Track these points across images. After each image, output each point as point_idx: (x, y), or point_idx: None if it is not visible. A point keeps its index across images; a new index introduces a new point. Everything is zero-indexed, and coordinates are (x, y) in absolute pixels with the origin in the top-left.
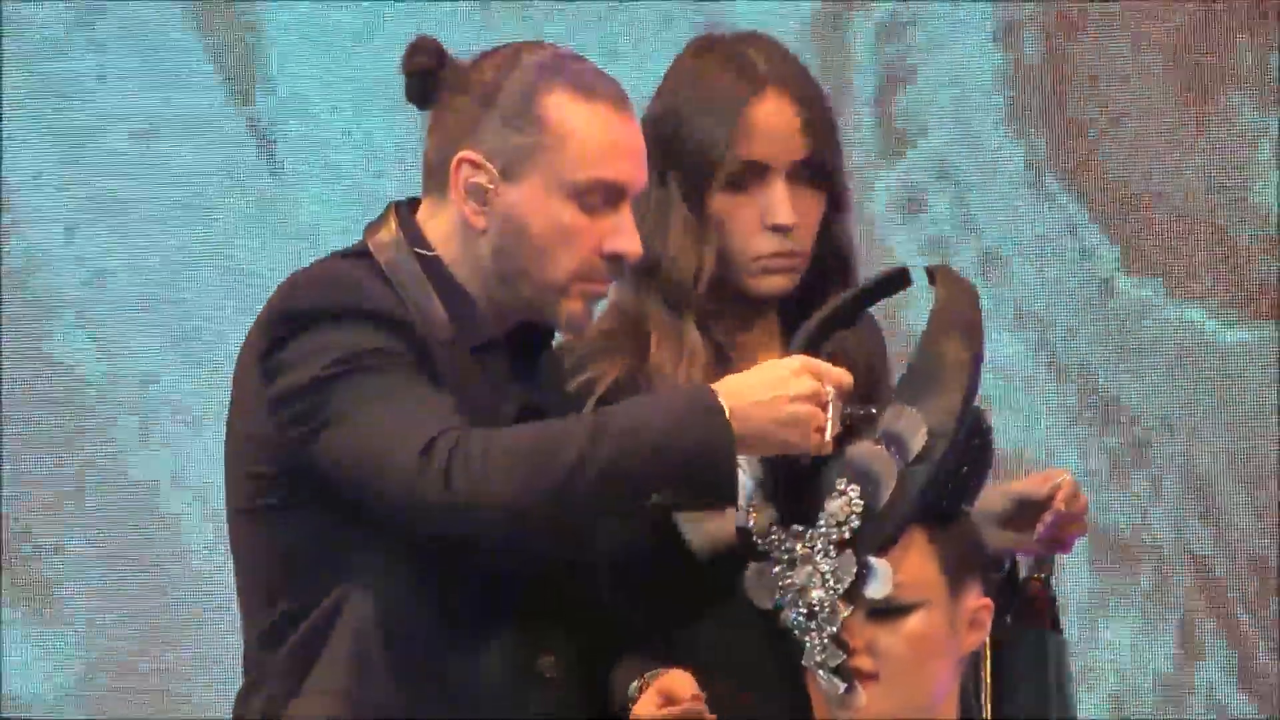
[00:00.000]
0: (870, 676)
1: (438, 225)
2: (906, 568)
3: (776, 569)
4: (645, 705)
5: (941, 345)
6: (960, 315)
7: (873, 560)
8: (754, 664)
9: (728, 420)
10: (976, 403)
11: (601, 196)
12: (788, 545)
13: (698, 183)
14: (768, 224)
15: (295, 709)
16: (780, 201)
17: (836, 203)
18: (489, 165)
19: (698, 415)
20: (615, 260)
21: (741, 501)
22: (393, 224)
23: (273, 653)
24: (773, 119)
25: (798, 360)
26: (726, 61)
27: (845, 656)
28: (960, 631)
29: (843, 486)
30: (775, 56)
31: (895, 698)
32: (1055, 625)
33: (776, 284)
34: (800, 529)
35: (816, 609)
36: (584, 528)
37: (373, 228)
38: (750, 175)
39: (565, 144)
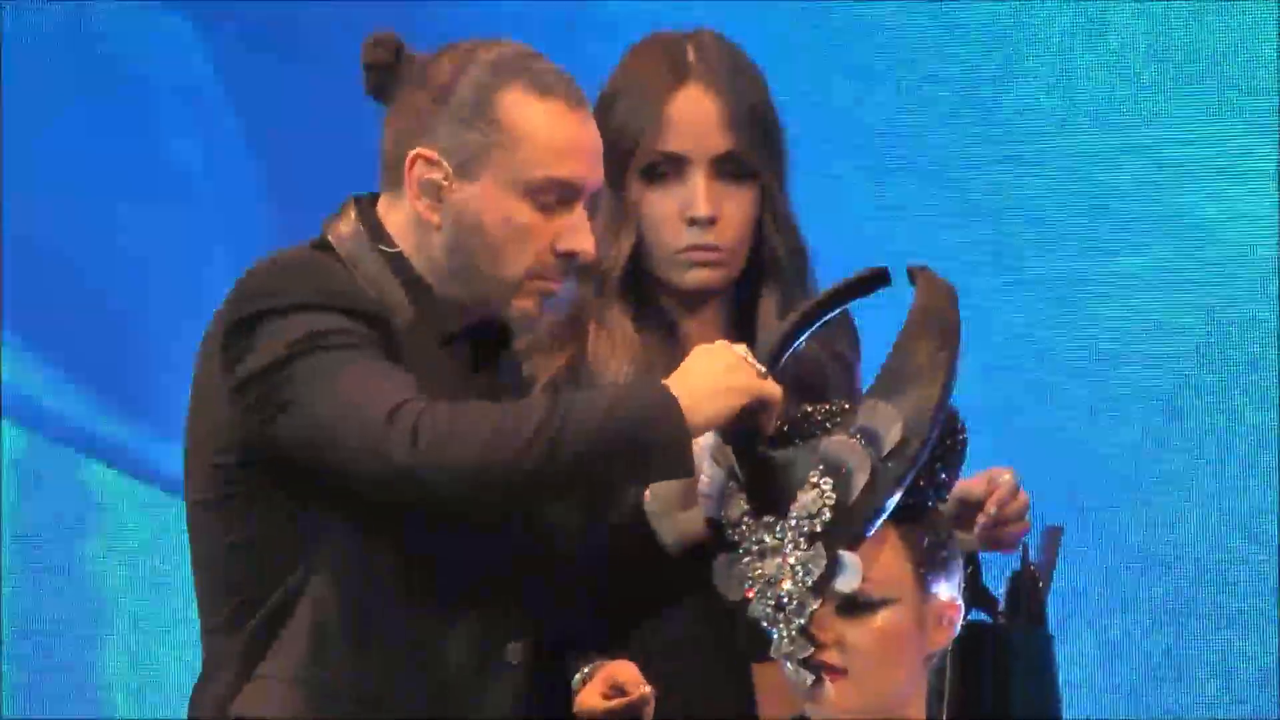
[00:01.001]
0: (838, 671)
1: (394, 220)
2: (877, 564)
3: (746, 560)
4: (591, 695)
5: (918, 343)
6: (938, 314)
7: (843, 554)
8: (702, 659)
9: (670, 392)
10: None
11: (555, 195)
12: (758, 536)
13: (618, 172)
14: (685, 216)
15: (249, 696)
16: (697, 194)
17: (769, 205)
18: (443, 162)
19: (644, 387)
20: (568, 259)
21: (712, 492)
22: (352, 216)
23: (228, 639)
24: (691, 111)
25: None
26: (660, 53)
27: (813, 649)
28: (929, 629)
29: (815, 479)
30: (710, 50)
31: (863, 694)
32: (1044, 618)
33: (701, 277)
34: (771, 520)
35: (785, 601)
36: (545, 500)
37: (331, 221)
38: (668, 167)
39: (520, 143)
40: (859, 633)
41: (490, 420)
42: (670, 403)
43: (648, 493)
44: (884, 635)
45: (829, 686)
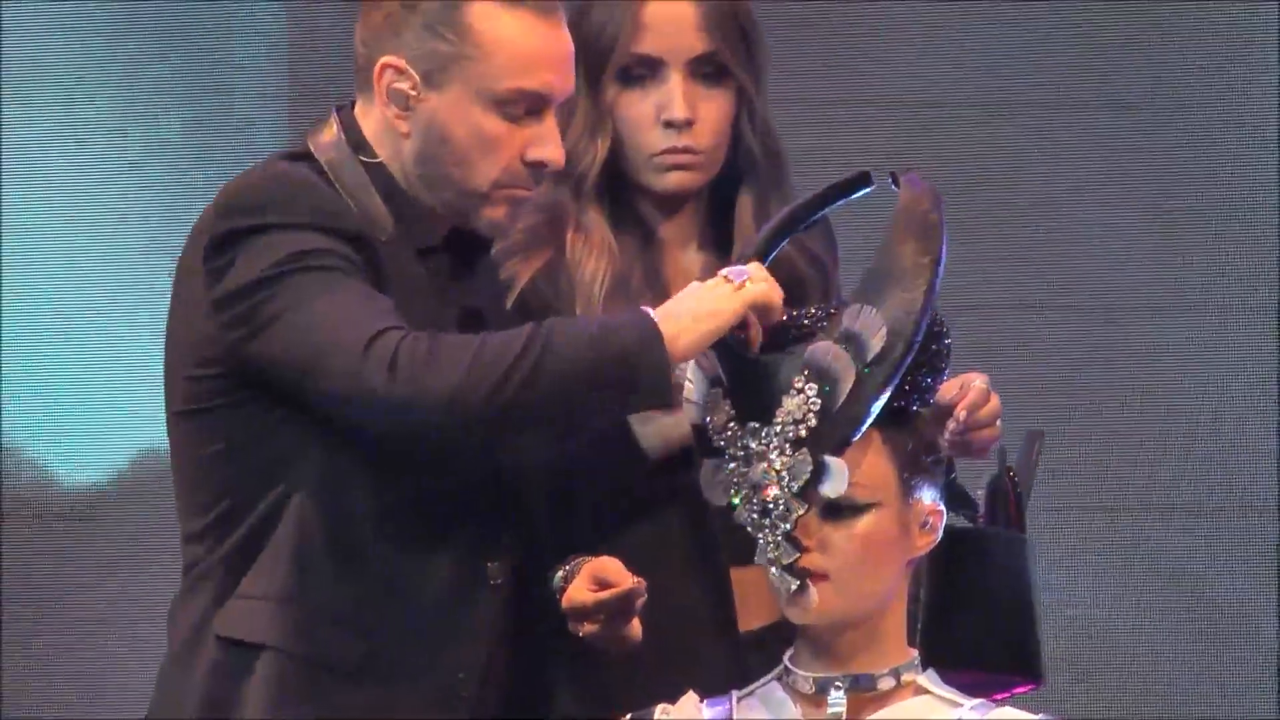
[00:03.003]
0: (821, 575)
1: (370, 126)
2: (861, 468)
3: (731, 465)
4: (578, 589)
5: (901, 247)
6: (921, 217)
7: (828, 459)
8: (682, 565)
9: (653, 319)
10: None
11: (525, 106)
12: (743, 442)
13: (594, 75)
14: (661, 119)
15: (232, 615)
16: (673, 96)
17: (746, 107)
18: (411, 71)
19: (626, 318)
20: (538, 168)
21: (697, 398)
22: (334, 126)
23: (209, 553)
24: (667, 13)
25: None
26: None
27: (798, 554)
28: (912, 533)
29: (800, 385)
30: None
31: (845, 597)
32: (1022, 524)
33: (677, 180)
34: (756, 426)
35: (771, 506)
36: (524, 431)
37: (315, 130)
38: (644, 69)
39: (488, 54)
40: (842, 536)
41: (469, 350)
42: (652, 334)
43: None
44: (867, 539)
45: (813, 591)
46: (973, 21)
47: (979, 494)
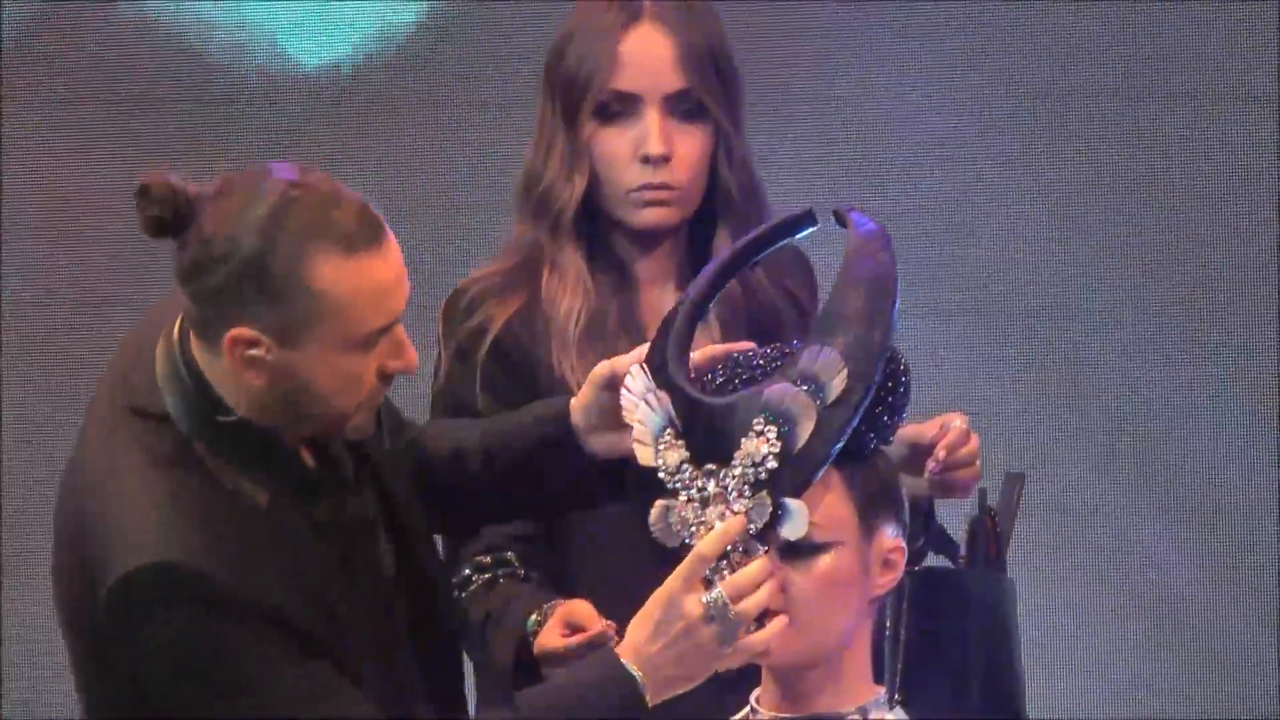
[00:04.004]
0: (780, 614)
1: (213, 371)
2: (820, 507)
3: (687, 508)
4: (550, 635)
5: (853, 290)
6: (871, 259)
7: (788, 501)
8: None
9: (640, 691)
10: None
11: (379, 335)
12: (700, 484)
13: (571, 113)
14: (638, 155)
15: None
16: (650, 132)
17: (724, 144)
18: (264, 338)
19: (610, 680)
20: (395, 375)
21: (648, 439)
22: (185, 378)
23: None
24: (644, 50)
25: (678, 576)
26: None
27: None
28: (873, 572)
29: (760, 427)
30: None
31: (804, 638)
32: (1002, 564)
33: (654, 216)
34: (713, 468)
35: (730, 549)
36: None
37: (163, 378)
38: (621, 106)
39: (342, 309)
40: (801, 577)
41: None
42: (635, 704)
43: (575, 411)
44: (827, 579)
45: (770, 631)
46: (958, 19)
47: (960, 535)
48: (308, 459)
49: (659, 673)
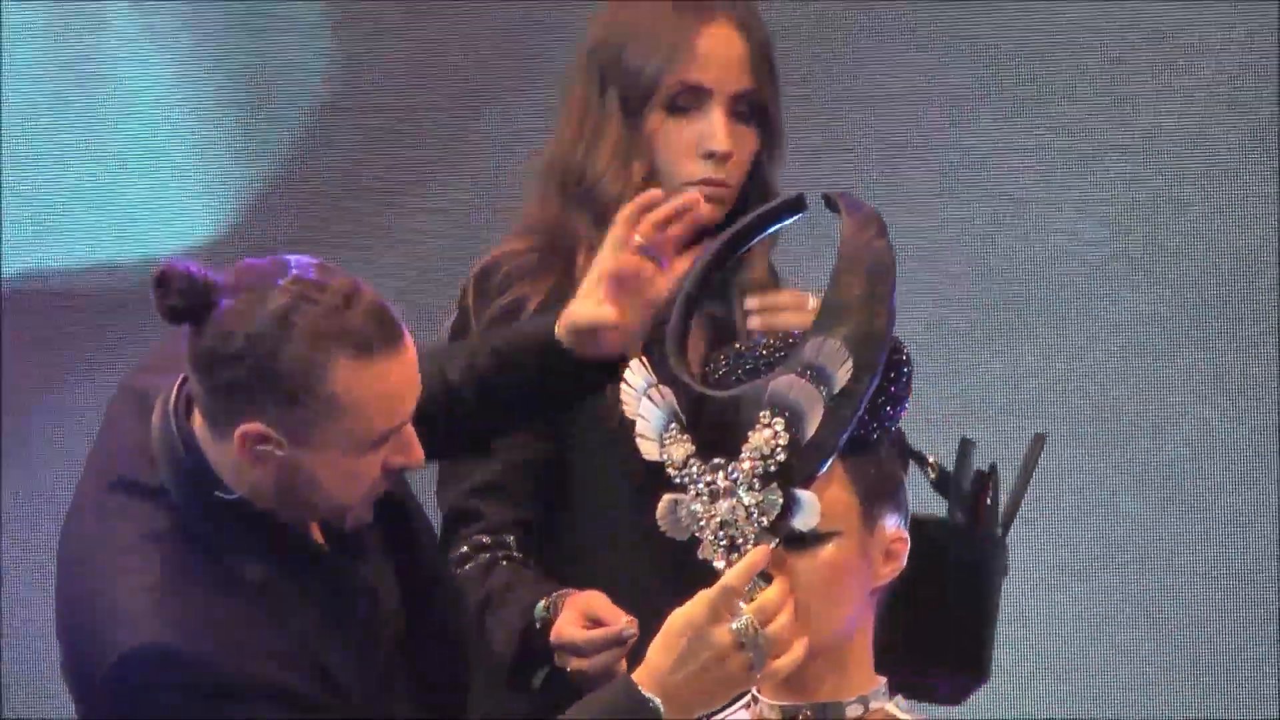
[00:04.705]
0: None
1: (216, 453)
2: (823, 497)
3: (695, 502)
4: (569, 625)
5: (852, 278)
6: (867, 244)
7: (799, 492)
8: (648, 600)
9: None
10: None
11: (390, 434)
12: (707, 478)
13: (637, 102)
14: (703, 150)
15: None
16: (718, 128)
17: (770, 145)
18: (276, 436)
19: (627, 701)
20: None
21: (653, 434)
22: (180, 453)
23: None
24: (720, 46)
25: (705, 607)
26: None
27: (765, 586)
28: (875, 562)
29: (767, 419)
30: None
31: (805, 627)
32: (993, 524)
33: (708, 211)
34: (721, 461)
35: (740, 542)
36: None
37: (151, 456)
38: (690, 99)
39: (356, 413)
40: (805, 565)
41: None
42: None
43: (560, 327)
44: (830, 568)
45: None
46: (958, 16)
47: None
48: (315, 532)
49: (680, 700)
